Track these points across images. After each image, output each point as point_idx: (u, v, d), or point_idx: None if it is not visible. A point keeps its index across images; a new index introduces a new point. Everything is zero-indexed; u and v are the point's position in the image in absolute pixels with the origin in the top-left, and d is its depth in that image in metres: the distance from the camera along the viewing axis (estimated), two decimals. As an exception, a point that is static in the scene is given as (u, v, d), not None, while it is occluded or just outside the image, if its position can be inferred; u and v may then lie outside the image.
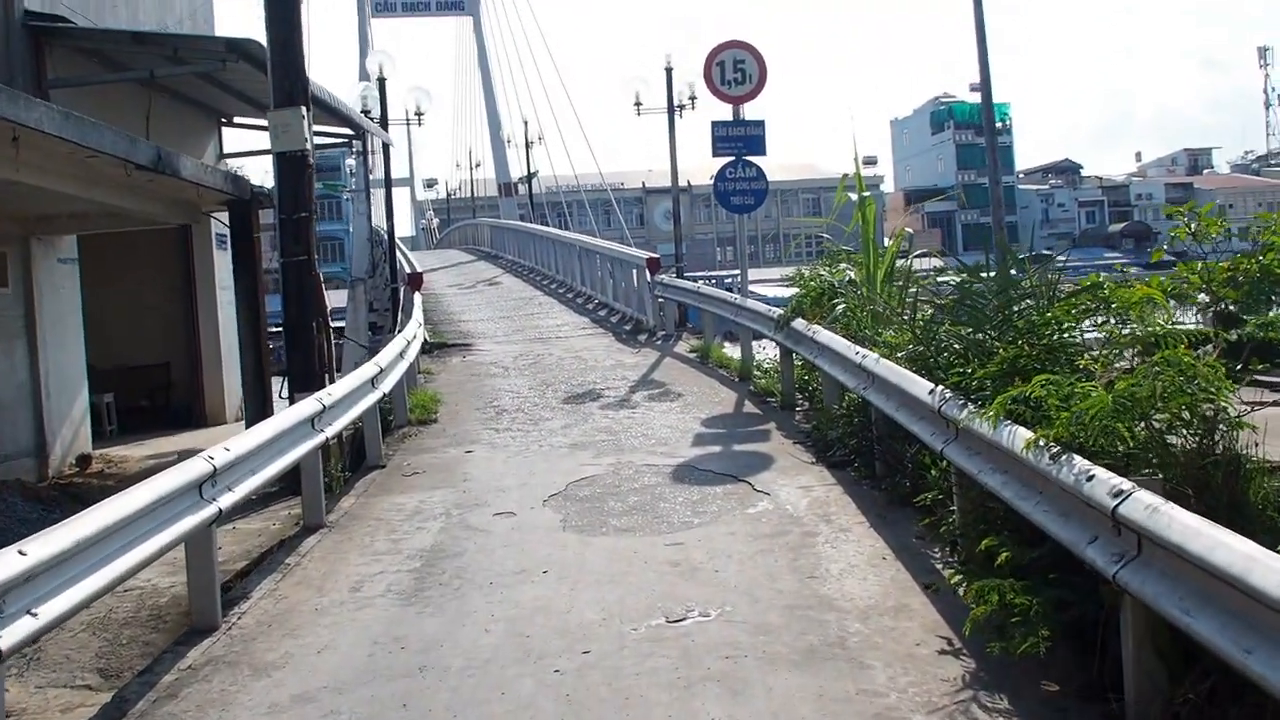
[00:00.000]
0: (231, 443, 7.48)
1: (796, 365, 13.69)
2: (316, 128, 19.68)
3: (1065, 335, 6.47)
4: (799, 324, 12.55)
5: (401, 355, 13.65)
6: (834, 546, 7.75)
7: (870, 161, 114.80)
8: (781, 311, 13.63)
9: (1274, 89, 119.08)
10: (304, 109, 12.48)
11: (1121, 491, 4.45)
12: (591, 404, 14.47)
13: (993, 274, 7.73)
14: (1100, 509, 4.58)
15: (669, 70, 22.51)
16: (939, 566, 7.11)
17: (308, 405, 8.98)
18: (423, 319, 18.95)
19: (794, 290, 15.31)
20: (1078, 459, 4.96)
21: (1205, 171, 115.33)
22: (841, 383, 10.44)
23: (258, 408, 13.23)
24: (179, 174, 11.07)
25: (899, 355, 8.83)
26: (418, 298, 19.80)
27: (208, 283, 18.71)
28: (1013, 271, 7.59)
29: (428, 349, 20.59)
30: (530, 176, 44.50)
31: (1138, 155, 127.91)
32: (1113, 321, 6.42)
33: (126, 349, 18.81)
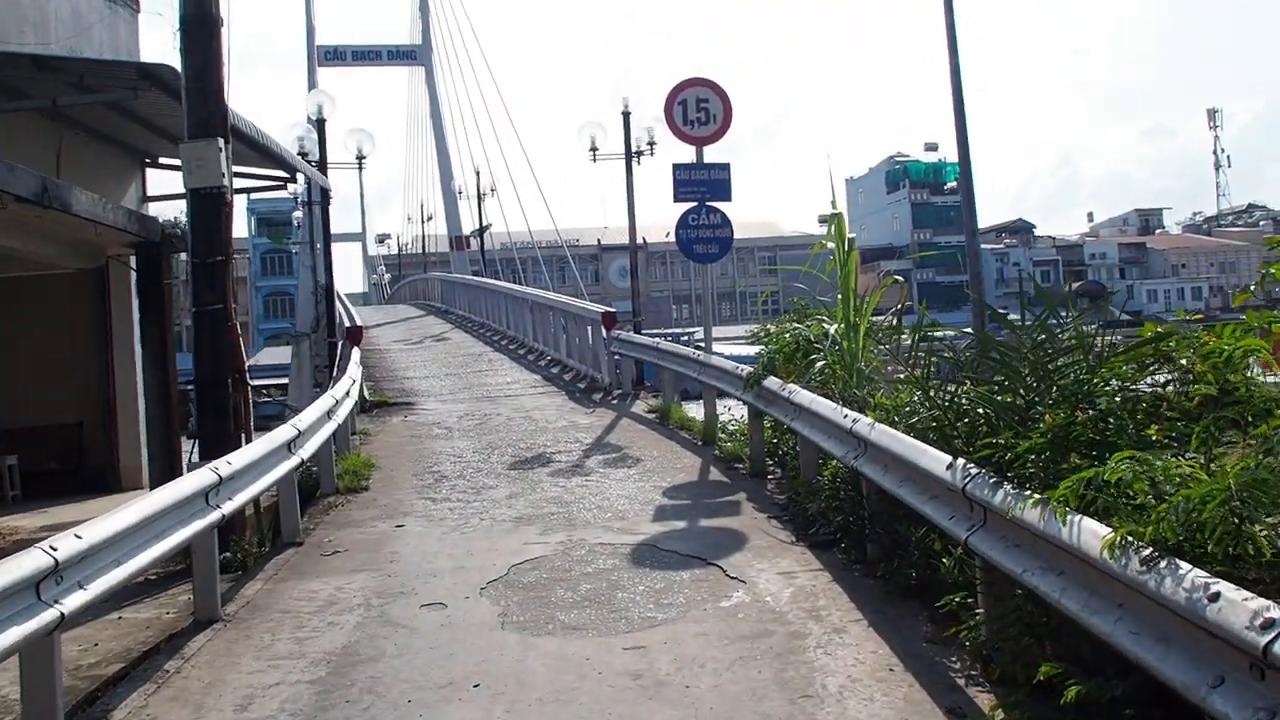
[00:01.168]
0: (87, 528, 6.04)
1: (766, 428, 12.45)
2: (247, 169, 18.42)
3: (1124, 397, 5.22)
4: (771, 383, 11.29)
5: (329, 414, 12.23)
6: (828, 653, 6.39)
7: (826, 220, 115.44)
8: (750, 369, 12.39)
9: (1223, 150, 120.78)
10: (221, 141, 11.18)
11: (1275, 622, 3.16)
12: (541, 470, 13.09)
13: (1016, 323, 6.49)
14: (1235, 642, 3.29)
15: (626, 115, 21.40)
16: (961, 682, 5.77)
17: (199, 477, 7.55)
18: (360, 375, 17.52)
19: (757, 348, 14.16)
20: (1188, 568, 3.67)
21: (1157, 231, 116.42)
22: (825, 449, 9.15)
23: (163, 473, 11.76)
24: (70, 209, 9.69)
25: (908, 421, 7.52)
26: (355, 353, 18.38)
27: (125, 334, 17.12)
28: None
29: (366, 408, 19.19)
30: (482, 230, 43.25)
31: (1089, 215, 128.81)
32: (1175, 383, 5.20)
33: (34, 407, 17.17)
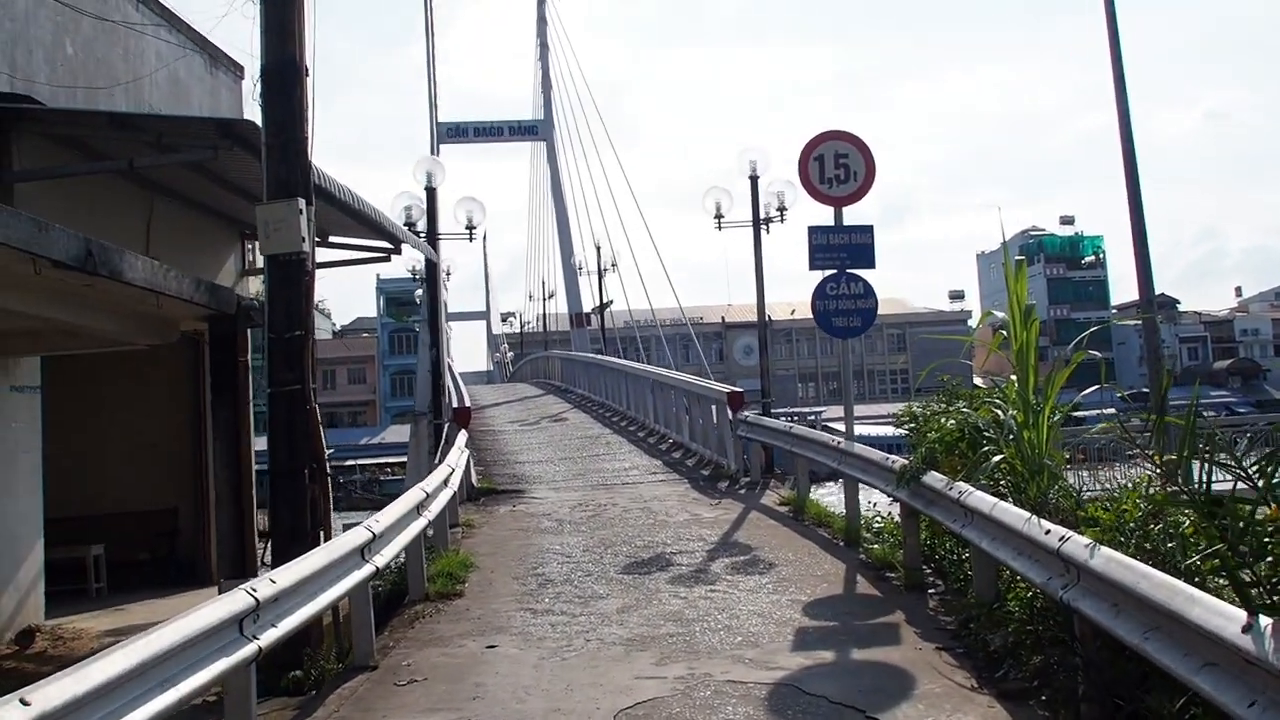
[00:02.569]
0: (63, 680, 4.56)
1: (921, 527, 10.61)
2: (349, 240, 17.36)
3: None
4: (933, 480, 9.46)
5: (418, 510, 10.75)
6: None
7: (958, 296, 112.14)
8: (904, 461, 10.57)
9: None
10: (303, 202, 9.96)
11: None
12: (659, 575, 11.39)
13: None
14: None
15: (754, 179, 19.84)
16: None
17: (228, 603, 6.02)
18: (465, 462, 16.12)
19: (897, 429, 12.43)
20: None
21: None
22: (1014, 569, 7.28)
23: (233, 570, 10.39)
24: (121, 276, 8.45)
25: (1160, 547, 5.62)
26: (461, 437, 17.00)
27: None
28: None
29: (474, 495, 17.79)
30: (603, 307, 42.02)
31: (1238, 290, 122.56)
32: None
33: (124, 491, 16.19)
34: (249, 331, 10.98)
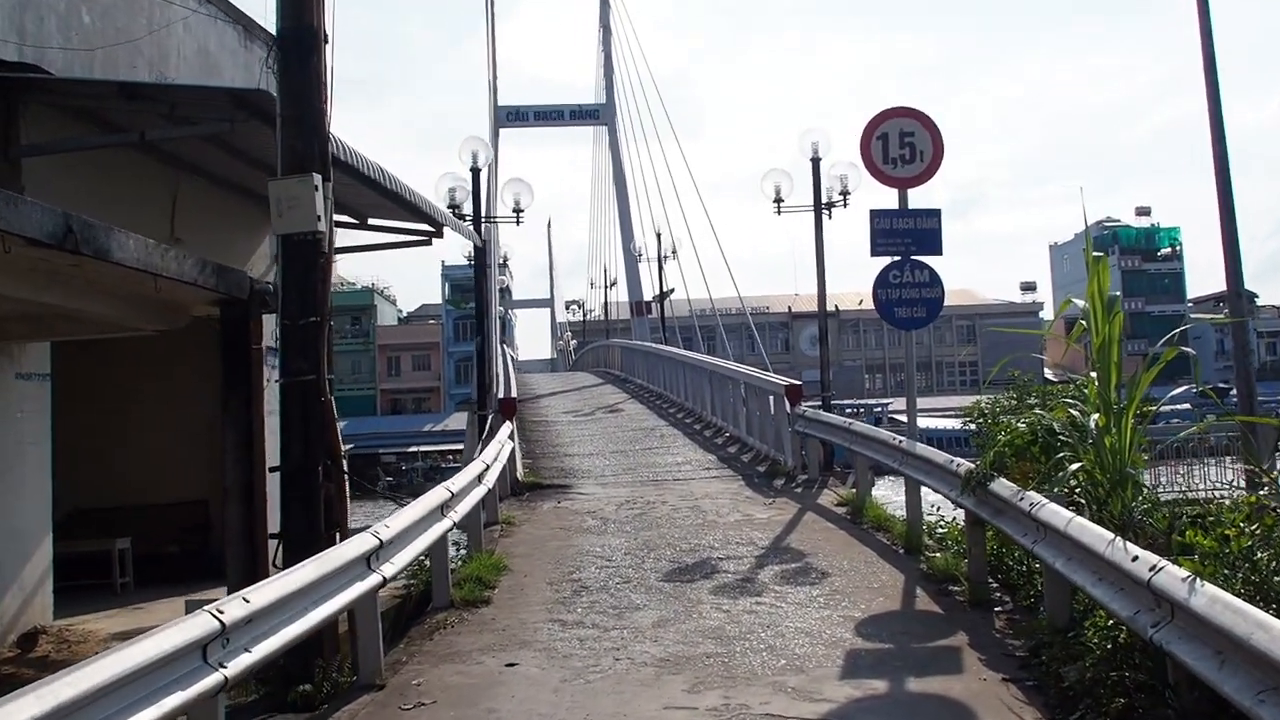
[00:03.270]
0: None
1: (989, 536, 9.70)
2: (389, 222, 16.70)
3: None
4: (1001, 487, 8.54)
5: (442, 510, 10.03)
6: None
7: (1029, 288, 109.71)
8: (969, 465, 9.65)
9: None
10: (318, 178, 9.25)
11: None
12: (702, 583, 10.57)
13: None
14: None
15: (815, 160, 18.83)
16: None
17: (193, 627, 5.29)
18: (505, 456, 15.39)
19: (961, 422, 11.48)
20: None
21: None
22: (1094, 598, 6.37)
23: (244, 574, 9.75)
24: (108, 256, 7.77)
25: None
26: (505, 429, 16.28)
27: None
28: None
29: (518, 490, 17.09)
30: (663, 295, 41.11)
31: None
32: None
33: (153, 482, 15.66)
34: (264, 318, 10.29)
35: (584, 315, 77.51)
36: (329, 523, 9.23)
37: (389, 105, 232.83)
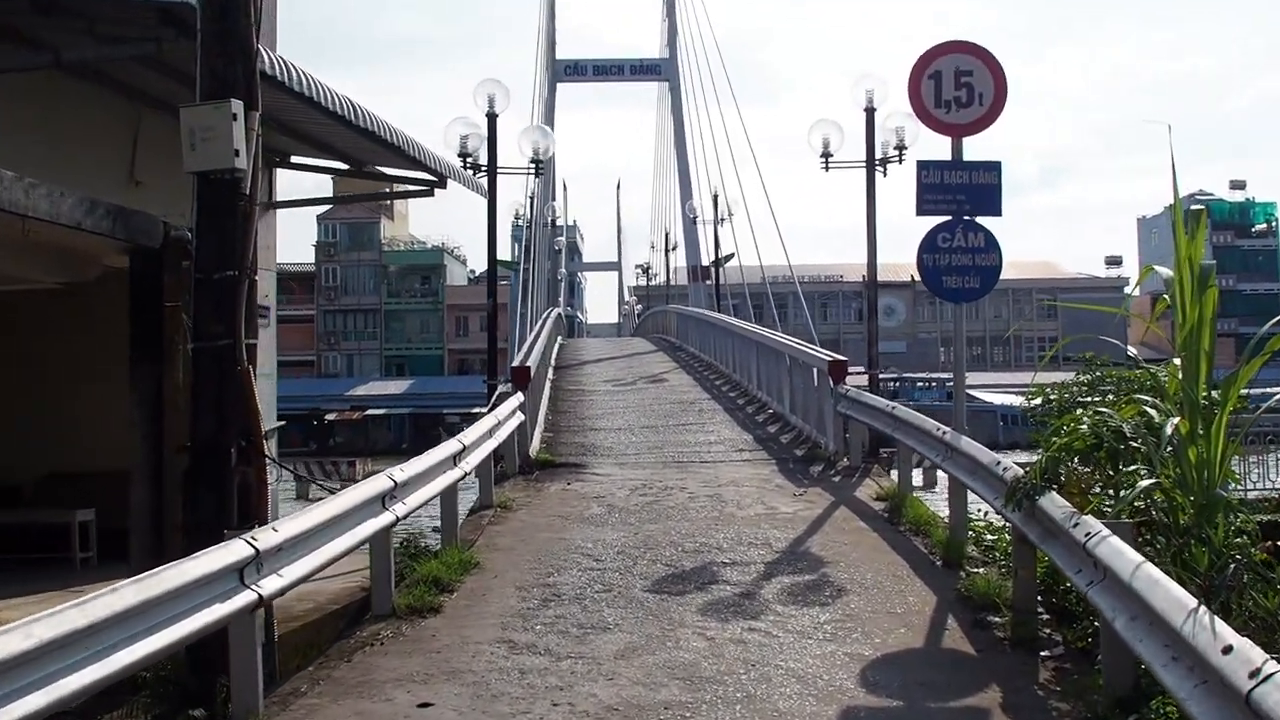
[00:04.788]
0: None
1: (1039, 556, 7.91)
2: (386, 170, 15.16)
3: None
4: (1053, 505, 6.76)
5: (383, 502, 8.46)
6: None
7: (1115, 262, 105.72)
8: (1017, 470, 7.87)
9: None
10: (240, 105, 7.76)
11: None
12: (693, 597, 8.90)
13: None
14: None
15: (869, 111, 16.82)
16: None
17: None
18: (506, 432, 13.84)
19: (1026, 399, 9.93)
20: None
21: None
22: (1165, 686, 4.58)
23: (144, 564, 8.28)
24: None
25: None
26: (510, 403, 14.72)
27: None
28: None
29: (529, 468, 15.54)
30: (718, 260, 39.02)
31: None
32: None
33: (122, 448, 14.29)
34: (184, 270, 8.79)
35: (647, 280, 75.68)
36: (244, 514, 7.73)
37: (455, 66, 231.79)
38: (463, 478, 10.74)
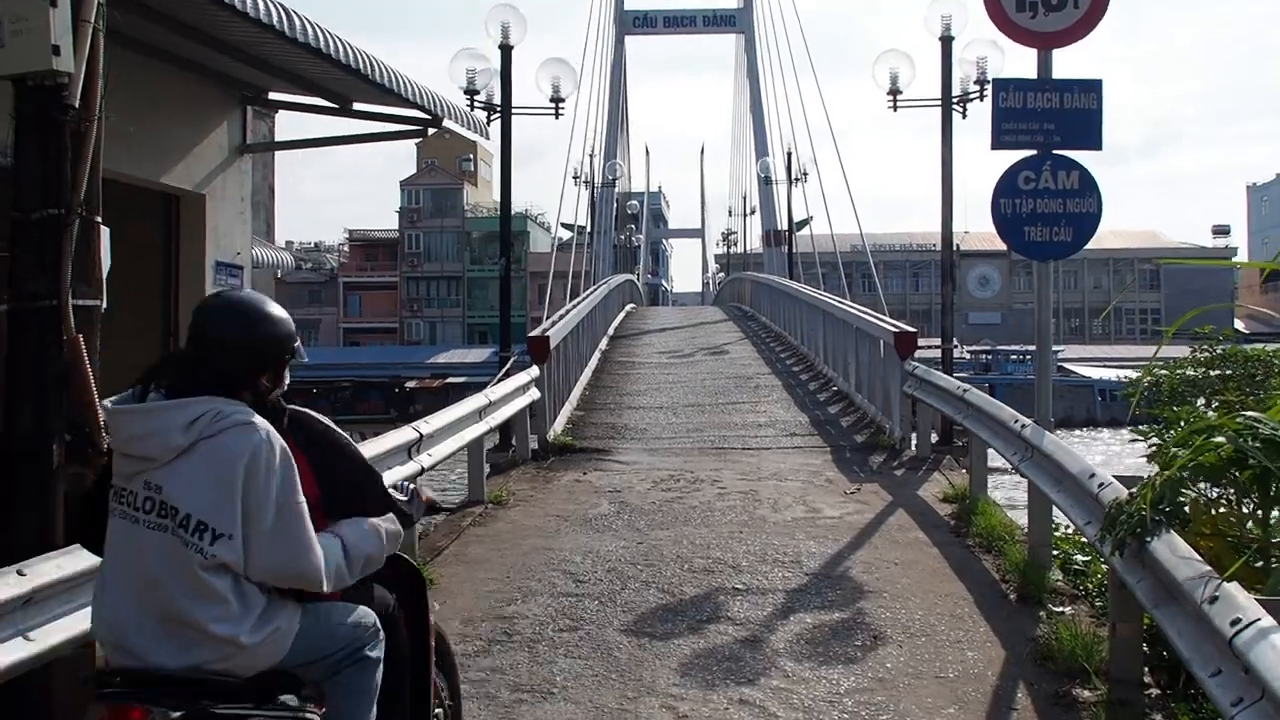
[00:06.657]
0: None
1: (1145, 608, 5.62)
2: (373, 108, 13.18)
3: None
4: (1172, 555, 4.51)
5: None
6: None
7: (1223, 231, 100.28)
8: (1119, 490, 5.60)
9: None
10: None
11: None
12: (680, 645, 6.76)
13: None
14: None
15: (946, 39, 14.24)
16: None
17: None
18: (503, 416, 11.85)
19: (1129, 375, 7.80)
20: None
21: None
22: None
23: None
24: None
25: None
26: (515, 380, 12.70)
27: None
28: None
29: (544, 454, 13.54)
30: (793, 225, 36.46)
31: None
32: None
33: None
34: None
35: (727, 247, 73.08)
36: (70, 528, 5.81)
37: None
38: (419, 473, 8.66)
